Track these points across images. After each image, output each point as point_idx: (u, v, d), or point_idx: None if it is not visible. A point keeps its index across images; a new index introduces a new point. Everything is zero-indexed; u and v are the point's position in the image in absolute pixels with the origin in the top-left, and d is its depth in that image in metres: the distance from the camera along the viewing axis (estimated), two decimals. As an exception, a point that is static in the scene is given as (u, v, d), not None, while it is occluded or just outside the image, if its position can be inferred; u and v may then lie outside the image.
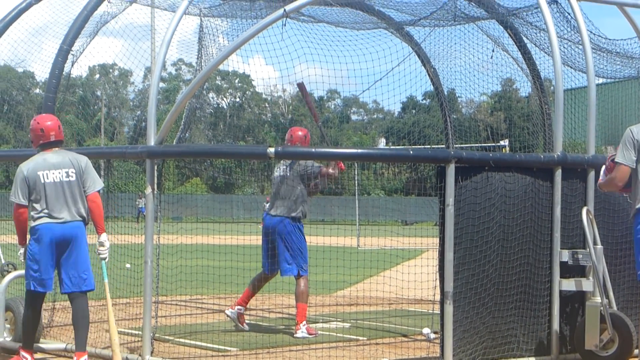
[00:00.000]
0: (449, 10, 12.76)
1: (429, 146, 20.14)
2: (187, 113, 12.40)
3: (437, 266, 10.12)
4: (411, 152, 10.87)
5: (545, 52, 12.99)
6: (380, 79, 13.25)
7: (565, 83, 11.73)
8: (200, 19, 12.99)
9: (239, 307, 12.86)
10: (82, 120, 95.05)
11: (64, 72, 11.76)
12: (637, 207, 9.23)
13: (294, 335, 12.30)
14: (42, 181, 9.74)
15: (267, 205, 13.00)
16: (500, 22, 13.07)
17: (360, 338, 12.41)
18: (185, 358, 10.15)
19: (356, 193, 44.22)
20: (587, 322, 10.27)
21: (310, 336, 12.24)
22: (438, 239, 10.07)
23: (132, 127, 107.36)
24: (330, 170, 12.62)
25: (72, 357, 10.50)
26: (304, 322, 12.37)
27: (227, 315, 12.88)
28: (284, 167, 12.74)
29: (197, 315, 14.91)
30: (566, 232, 10.64)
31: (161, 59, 10.63)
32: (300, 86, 13.17)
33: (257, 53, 12.05)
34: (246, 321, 13.08)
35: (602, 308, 10.20)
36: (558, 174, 10.55)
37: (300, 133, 12.89)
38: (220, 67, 11.20)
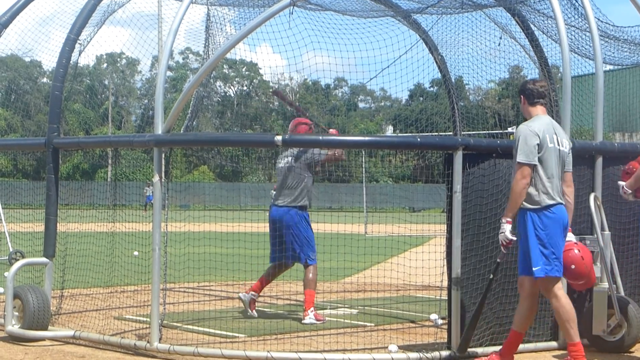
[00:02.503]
0: (456, -2, 12.76)
1: (436, 133, 20.13)
2: (195, 101, 12.41)
3: (445, 253, 10.16)
4: (419, 139, 10.87)
5: (553, 40, 12.97)
6: (388, 67, 13.24)
7: (573, 70, 11.72)
8: (208, 8, 12.99)
9: (253, 292, 12.89)
10: (90, 109, 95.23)
11: (71, 61, 11.77)
12: None
13: (302, 322, 12.34)
14: None
15: (274, 194, 13.00)
16: (508, 10, 13.05)
17: (368, 324, 12.44)
18: (193, 344, 10.18)
19: (364, 180, 44.27)
20: (595, 308, 10.29)
21: (317, 322, 12.28)
22: (445, 225, 10.11)
23: (139, 116, 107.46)
24: (337, 153, 12.63)
25: (80, 344, 10.57)
26: (312, 309, 12.40)
27: (240, 299, 12.90)
28: (290, 157, 12.76)
29: (205, 302, 14.95)
30: (574, 218, 10.60)
31: (168, 47, 10.64)
32: (276, 93, 13.24)
33: (265, 41, 12.06)
34: (255, 308, 13.12)
35: (609, 293, 10.22)
36: (566, 160, 10.55)
37: (304, 124, 12.88)
38: (228, 55, 11.20)
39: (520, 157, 9.06)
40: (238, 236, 13.09)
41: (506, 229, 9.04)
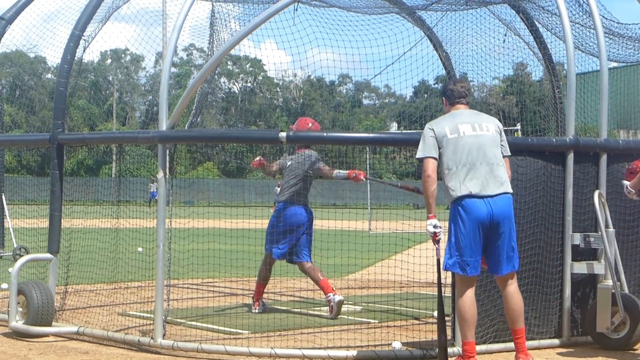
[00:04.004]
0: (461, -6, 12.76)
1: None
2: (199, 98, 12.41)
3: (449, 249, 10.15)
4: (423, 136, 10.84)
5: (558, 37, 12.97)
6: (392, 64, 13.26)
7: (578, 67, 11.71)
8: (212, 4, 12.99)
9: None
10: (94, 105, 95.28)
11: (75, 58, 11.78)
12: None
13: (336, 299, 12.46)
14: None
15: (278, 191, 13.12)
16: (513, 7, 13.05)
17: (372, 321, 12.44)
18: (197, 341, 10.19)
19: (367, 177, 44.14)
20: (599, 305, 10.28)
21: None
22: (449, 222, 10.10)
23: (143, 112, 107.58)
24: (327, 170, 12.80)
25: (84, 340, 10.58)
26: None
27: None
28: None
29: (209, 299, 14.96)
30: (578, 216, 10.65)
31: (173, 44, 10.64)
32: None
33: (269, 38, 12.08)
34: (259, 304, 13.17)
35: (613, 290, 10.21)
36: (570, 157, 10.55)
37: (310, 125, 12.92)
38: (232, 51, 11.20)
39: (417, 154, 9.01)
40: (242, 232, 13.08)
41: (428, 223, 8.85)
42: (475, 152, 8.94)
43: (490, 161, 8.95)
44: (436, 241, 8.93)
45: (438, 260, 9.08)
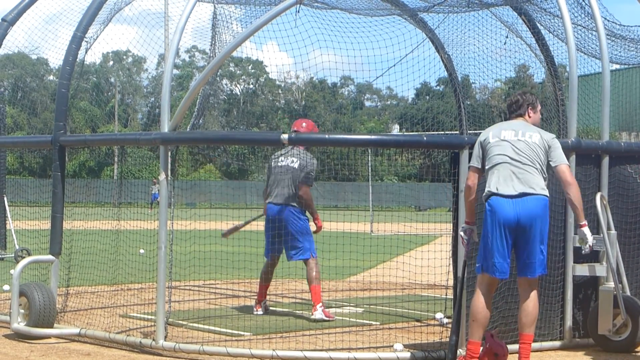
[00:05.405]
0: (463, -3, 12.75)
1: (442, 132, 20.12)
2: (201, 100, 12.40)
3: (451, 252, 10.15)
4: (425, 138, 10.86)
5: (560, 39, 12.96)
6: (394, 66, 13.24)
7: (580, 69, 11.71)
8: (214, 6, 12.99)
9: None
10: (96, 106, 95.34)
11: (77, 59, 11.78)
12: None
13: (311, 317, 12.33)
14: None
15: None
16: (514, 9, 13.04)
17: (374, 323, 12.44)
18: (198, 342, 10.19)
19: (369, 179, 44.15)
20: (600, 307, 10.28)
21: (326, 319, 12.28)
22: (452, 224, 10.10)
23: (145, 114, 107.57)
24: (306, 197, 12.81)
25: (85, 342, 10.58)
26: (320, 304, 12.40)
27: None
28: (296, 160, 12.79)
29: (211, 300, 14.96)
30: (579, 218, 10.64)
31: (175, 45, 10.64)
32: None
33: (271, 40, 12.06)
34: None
35: (615, 293, 10.21)
36: (572, 159, 10.53)
37: (304, 124, 12.91)
38: (234, 53, 11.20)
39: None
40: (244, 234, 13.09)
41: (460, 227, 9.32)
42: (509, 154, 9.07)
43: (521, 163, 9.03)
44: (463, 244, 9.26)
45: (464, 262, 9.30)
